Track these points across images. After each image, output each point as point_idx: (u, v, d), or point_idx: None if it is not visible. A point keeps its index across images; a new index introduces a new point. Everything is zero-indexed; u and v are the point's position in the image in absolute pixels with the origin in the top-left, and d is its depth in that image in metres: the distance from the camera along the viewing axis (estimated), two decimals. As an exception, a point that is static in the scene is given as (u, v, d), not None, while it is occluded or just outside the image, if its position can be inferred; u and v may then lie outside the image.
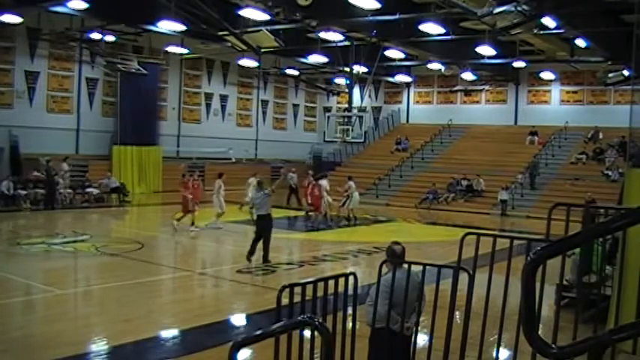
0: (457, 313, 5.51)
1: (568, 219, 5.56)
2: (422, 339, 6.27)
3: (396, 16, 18.86)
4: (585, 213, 6.67)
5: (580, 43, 23.18)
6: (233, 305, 9.83)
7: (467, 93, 33.19)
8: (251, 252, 12.41)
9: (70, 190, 22.32)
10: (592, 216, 6.78)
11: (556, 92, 32.02)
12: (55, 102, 25.80)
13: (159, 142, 28.22)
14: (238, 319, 9.05)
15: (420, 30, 20.01)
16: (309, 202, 19.19)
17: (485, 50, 22.36)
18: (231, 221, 19.28)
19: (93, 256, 13.00)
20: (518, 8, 16.13)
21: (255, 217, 12.96)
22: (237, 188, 21.71)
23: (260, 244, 12.52)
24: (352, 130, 27.76)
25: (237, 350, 2.75)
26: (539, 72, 30.68)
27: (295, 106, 38.01)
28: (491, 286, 5.23)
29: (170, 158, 29.03)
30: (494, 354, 5.45)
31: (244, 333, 7.56)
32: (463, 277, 5.23)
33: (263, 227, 12.48)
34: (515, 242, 5.57)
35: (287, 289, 4.43)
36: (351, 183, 20.04)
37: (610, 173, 25.14)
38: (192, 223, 16.55)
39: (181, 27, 19.80)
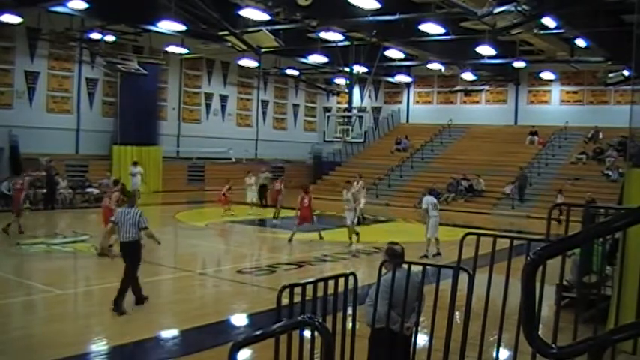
0: (457, 313, 5.51)
1: (568, 219, 5.56)
2: (422, 339, 6.27)
3: (396, 16, 18.86)
4: (585, 213, 6.67)
5: (580, 43, 23.18)
6: (233, 305, 9.83)
7: (467, 93, 33.18)
8: (121, 293, 8.82)
9: (70, 190, 22.33)
10: (592, 216, 6.78)
11: (556, 92, 32.03)
12: (55, 102, 25.80)
13: (159, 142, 28.22)
14: (238, 319, 9.05)
15: (420, 30, 20.01)
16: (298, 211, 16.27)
17: (485, 50, 22.35)
18: (231, 221, 19.30)
19: (93, 256, 12.98)
20: (518, 8, 16.14)
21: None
22: (239, 188, 21.75)
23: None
24: (352, 130, 27.75)
25: (238, 350, 2.75)
26: (539, 72, 30.68)
27: (295, 106, 38.00)
28: (491, 286, 5.23)
29: (170, 158, 29.07)
30: (494, 354, 5.44)
31: (244, 333, 7.56)
32: (463, 277, 5.23)
33: (128, 258, 9.07)
34: (515, 242, 5.57)
35: (287, 289, 4.43)
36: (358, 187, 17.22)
37: (610, 173, 25.13)
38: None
39: (181, 27, 19.81)
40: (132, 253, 9.05)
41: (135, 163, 24.74)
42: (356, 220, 16.19)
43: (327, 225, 17.81)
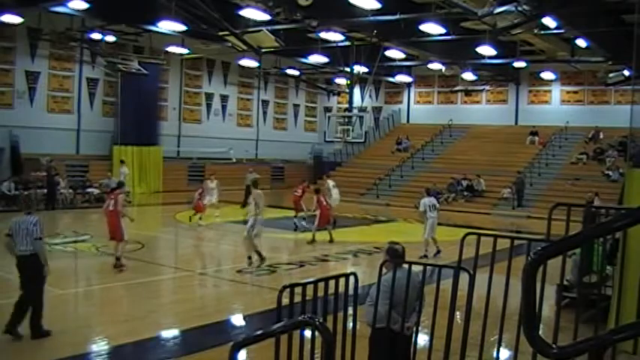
0: (458, 313, 5.51)
1: (568, 219, 5.55)
2: (422, 339, 6.26)
3: (397, 16, 18.86)
4: (586, 213, 6.66)
5: (580, 43, 23.17)
6: (233, 305, 9.83)
7: (467, 93, 33.18)
8: (14, 322, 7.33)
9: (70, 190, 22.35)
10: (592, 216, 6.77)
11: (556, 92, 32.04)
12: (56, 102, 25.82)
13: (159, 142, 28.23)
14: (238, 319, 9.04)
15: (420, 30, 20.01)
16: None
17: (486, 50, 22.34)
18: (231, 221, 19.28)
19: (93, 256, 13.00)
20: (519, 8, 16.15)
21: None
22: (239, 188, 21.78)
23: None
24: (353, 130, 27.82)
25: (238, 350, 2.75)
26: (540, 72, 30.68)
27: (296, 106, 38.01)
28: (492, 287, 5.22)
29: (171, 158, 29.09)
30: (494, 354, 5.44)
31: (245, 333, 7.56)
32: (464, 277, 5.23)
33: (25, 275, 7.66)
34: (516, 242, 5.56)
35: (287, 289, 4.42)
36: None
37: (610, 173, 25.12)
38: None
39: (182, 27, 19.81)
40: (30, 268, 7.51)
41: (122, 162, 24.71)
42: (255, 231, 12.56)
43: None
